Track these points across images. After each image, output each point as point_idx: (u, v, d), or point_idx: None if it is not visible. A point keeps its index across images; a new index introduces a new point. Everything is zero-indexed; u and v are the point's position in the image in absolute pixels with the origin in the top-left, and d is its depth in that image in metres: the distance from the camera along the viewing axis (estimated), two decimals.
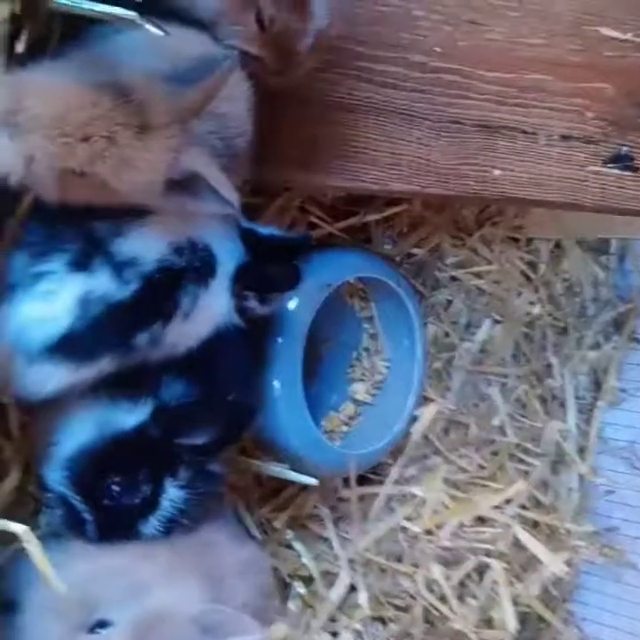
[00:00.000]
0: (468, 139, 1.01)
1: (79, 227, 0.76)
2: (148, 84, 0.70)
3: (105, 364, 0.78)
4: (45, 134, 0.67)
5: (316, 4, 0.81)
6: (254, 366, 0.99)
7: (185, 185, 0.71)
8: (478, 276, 1.38)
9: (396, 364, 1.27)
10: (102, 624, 0.73)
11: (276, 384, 1.07)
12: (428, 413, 1.21)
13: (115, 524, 0.84)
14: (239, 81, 0.82)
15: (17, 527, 0.70)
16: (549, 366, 1.46)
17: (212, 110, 0.74)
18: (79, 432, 0.84)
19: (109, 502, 0.83)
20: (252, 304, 0.90)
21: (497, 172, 1.02)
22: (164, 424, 0.83)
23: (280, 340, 1.08)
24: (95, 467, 0.84)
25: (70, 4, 0.70)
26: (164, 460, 0.84)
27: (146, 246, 0.77)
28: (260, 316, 0.93)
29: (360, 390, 1.27)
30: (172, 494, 0.84)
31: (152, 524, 0.84)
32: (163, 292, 0.78)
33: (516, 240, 1.42)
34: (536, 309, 1.44)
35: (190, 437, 0.84)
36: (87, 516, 0.83)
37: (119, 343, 0.77)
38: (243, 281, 0.86)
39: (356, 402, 1.27)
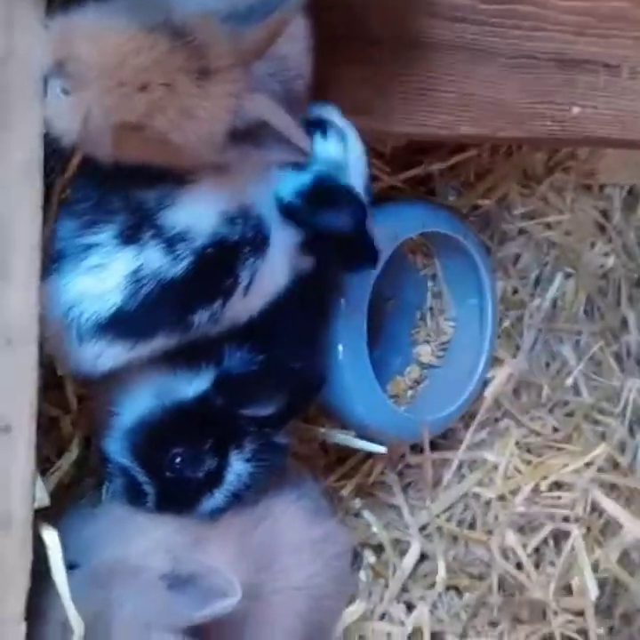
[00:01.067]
0: (544, 74, 0.93)
1: (126, 195, 0.71)
2: (205, 24, 0.64)
3: (162, 342, 0.74)
4: (101, 85, 0.62)
5: None
6: (319, 331, 0.94)
7: (249, 134, 0.65)
8: (549, 226, 1.30)
9: (463, 324, 1.20)
10: (71, 565, 0.71)
11: (340, 348, 1.02)
12: (500, 376, 1.15)
13: (177, 497, 0.81)
14: (298, 18, 0.75)
15: (47, 534, 0.68)
16: (625, 321, 1.38)
17: (272, 51, 0.68)
18: (139, 402, 0.81)
19: (172, 474, 0.80)
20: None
21: (576, 110, 0.94)
22: (228, 393, 0.79)
23: (343, 301, 1.02)
24: (156, 437, 0.80)
25: None
26: (228, 431, 0.80)
27: (196, 218, 0.72)
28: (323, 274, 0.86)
29: (425, 352, 1.21)
30: (238, 468, 0.81)
31: (216, 499, 0.81)
32: (219, 267, 0.73)
33: (588, 187, 1.33)
34: (610, 261, 1.35)
35: (255, 408, 0.79)
36: (148, 488, 0.81)
37: (176, 321, 0.73)
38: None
39: (422, 364, 1.21)
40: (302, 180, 0.77)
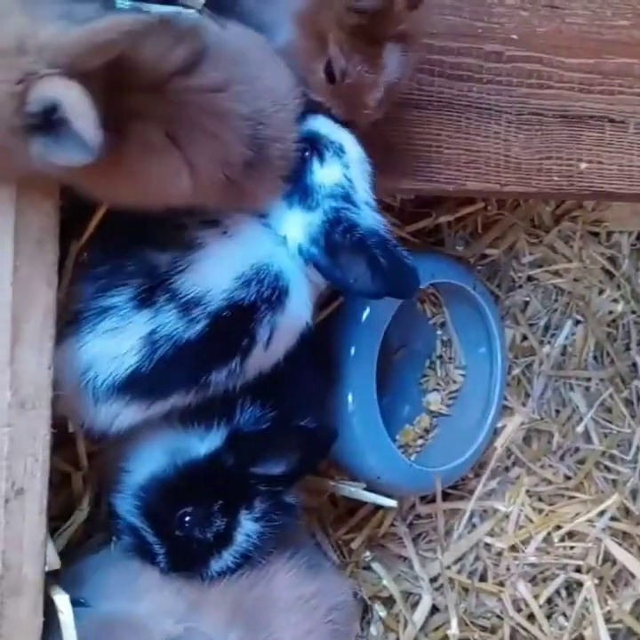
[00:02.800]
0: (551, 131, 0.94)
1: (141, 259, 0.71)
2: None
3: (178, 400, 0.74)
4: None
5: (388, 57, 0.75)
6: (330, 384, 0.94)
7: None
8: (557, 274, 1.30)
9: (473, 372, 1.20)
10: (81, 603, 0.72)
11: (350, 398, 1.02)
12: (511, 425, 1.15)
13: (186, 557, 0.80)
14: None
15: (59, 598, 0.68)
16: (634, 366, 1.38)
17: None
18: (150, 460, 0.81)
19: (181, 534, 0.80)
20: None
21: (583, 165, 0.95)
22: (239, 451, 0.79)
23: (353, 350, 1.02)
24: (166, 496, 0.80)
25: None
26: (239, 490, 0.80)
27: (211, 282, 0.72)
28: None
29: (435, 401, 1.20)
30: (248, 528, 0.80)
31: (225, 560, 0.80)
32: (236, 328, 0.74)
33: (595, 234, 1.33)
34: (619, 307, 1.35)
35: (267, 466, 0.79)
36: (157, 549, 0.80)
37: (192, 381, 0.73)
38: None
39: (431, 413, 1.20)
40: (313, 220, 0.76)
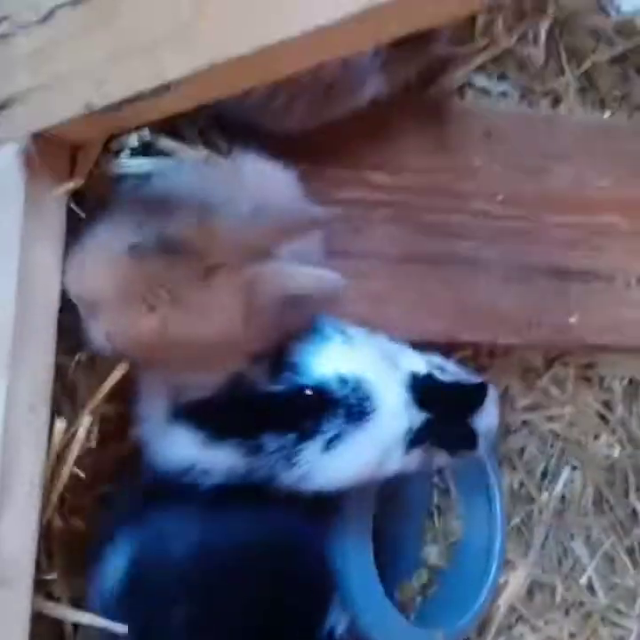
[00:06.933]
0: (540, 285, 0.96)
1: None
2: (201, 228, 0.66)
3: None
4: (110, 314, 0.66)
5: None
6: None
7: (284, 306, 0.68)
8: (551, 419, 1.29)
9: (472, 523, 1.17)
10: None
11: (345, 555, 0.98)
12: (514, 580, 1.10)
13: None
14: None
15: None
16: (635, 512, 1.34)
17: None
18: None
19: None
20: (443, 460, 0.87)
21: (573, 320, 0.96)
22: None
23: (347, 503, 0.99)
24: None
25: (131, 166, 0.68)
26: None
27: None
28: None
29: (433, 554, 1.16)
30: None
31: None
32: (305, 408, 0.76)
33: (588, 379, 1.33)
34: (615, 452, 1.33)
35: None
36: None
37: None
38: (426, 439, 0.82)
39: (430, 568, 1.16)
40: None
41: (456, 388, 0.84)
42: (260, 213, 0.67)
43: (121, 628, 0.70)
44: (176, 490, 0.79)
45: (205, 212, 0.66)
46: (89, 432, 0.70)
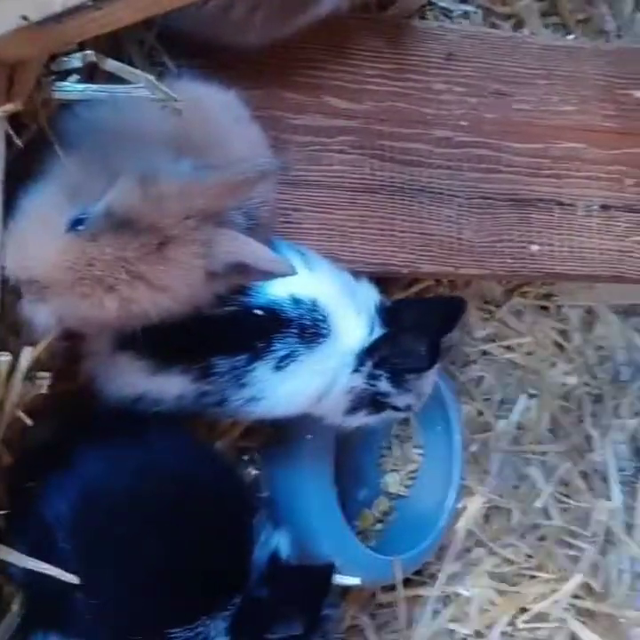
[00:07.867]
0: (502, 214, 0.95)
1: None
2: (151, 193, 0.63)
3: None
4: (63, 299, 0.63)
5: None
6: None
7: (234, 272, 0.66)
8: (510, 348, 1.30)
9: (431, 451, 1.18)
10: None
11: (306, 486, 0.99)
12: (472, 506, 1.12)
13: None
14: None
15: None
16: (589, 439, 1.37)
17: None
18: None
19: None
20: (384, 387, 0.83)
21: (535, 248, 0.96)
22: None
23: (309, 436, 0.99)
24: None
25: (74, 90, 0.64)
26: None
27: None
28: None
29: (393, 482, 1.18)
30: None
31: None
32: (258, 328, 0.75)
33: (545, 309, 1.34)
34: (572, 380, 1.35)
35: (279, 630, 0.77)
36: None
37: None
38: (377, 353, 0.80)
39: (390, 495, 1.17)
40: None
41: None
42: (204, 169, 0.65)
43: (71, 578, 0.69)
44: (121, 422, 0.78)
45: (148, 178, 0.63)
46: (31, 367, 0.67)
